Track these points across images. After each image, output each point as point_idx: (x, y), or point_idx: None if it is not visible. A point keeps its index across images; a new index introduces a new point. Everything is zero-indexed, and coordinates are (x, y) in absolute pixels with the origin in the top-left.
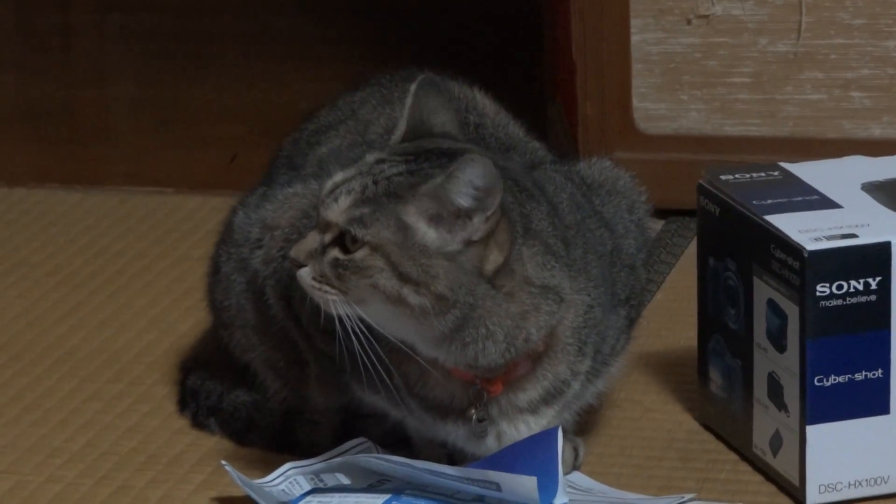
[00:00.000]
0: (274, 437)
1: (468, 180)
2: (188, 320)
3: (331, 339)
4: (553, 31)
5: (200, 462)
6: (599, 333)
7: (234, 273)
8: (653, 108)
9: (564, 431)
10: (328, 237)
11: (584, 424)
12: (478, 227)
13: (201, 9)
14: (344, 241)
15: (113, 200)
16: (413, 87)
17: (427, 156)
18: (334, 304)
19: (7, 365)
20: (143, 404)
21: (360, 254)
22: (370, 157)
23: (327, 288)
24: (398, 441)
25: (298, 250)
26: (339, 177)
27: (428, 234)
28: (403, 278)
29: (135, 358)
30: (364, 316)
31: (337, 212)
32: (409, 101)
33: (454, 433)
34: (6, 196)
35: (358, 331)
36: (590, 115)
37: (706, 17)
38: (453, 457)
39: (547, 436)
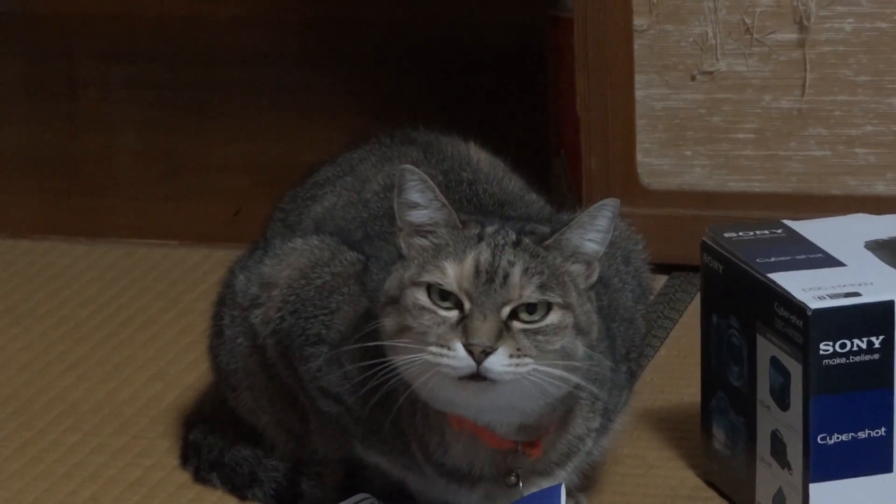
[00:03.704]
0: (277, 492)
1: (601, 225)
2: (192, 373)
3: (334, 403)
4: (558, 86)
5: None
6: (609, 389)
7: (240, 336)
8: (657, 164)
9: (568, 489)
10: (506, 312)
11: (588, 481)
12: (596, 267)
13: (206, 60)
14: (517, 313)
15: (117, 252)
16: (413, 181)
17: (503, 220)
18: (529, 373)
19: (11, 417)
20: (147, 458)
21: (554, 316)
22: (475, 232)
23: (526, 360)
24: (402, 496)
25: (483, 336)
26: (478, 256)
27: (582, 280)
28: (578, 329)
29: (138, 411)
30: (533, 378)
31: (517, 287)
32: (431, 192)
33: (466, 498)
34: (11, 247)
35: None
36: (594, 169)
37: (710, 73)
38: None
39: (550, 492)
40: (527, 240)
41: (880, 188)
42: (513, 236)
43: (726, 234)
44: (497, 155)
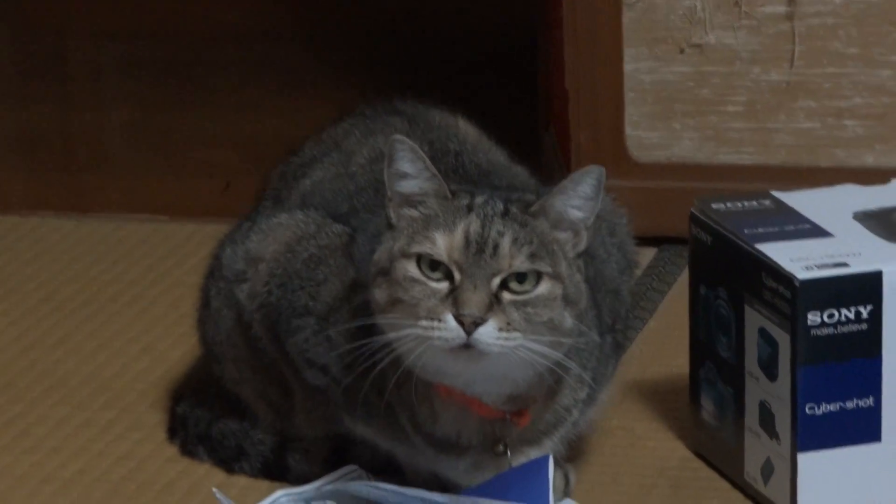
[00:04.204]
0: (264, 465)
1: (583, 192)
2: (181, 347)
3: (322, 374)
4: (547, 60)
5: (192, 489)
6: (597, 359)
7: (224, 308)
8: (646, 137)
9: (555, 459)
10: (496, 284)
11: (576, 452)
12: (584, 236)
13: (197, 37)
14: (507, 283)
15: (107, 227)
16: (398, 150)
17: (492, 190)
18: (517, 348)
19: None
20: (135, 431)
21: (545, 286)
22: (464, 203)
23: (515, 334)
24: (390, 468)
25: (474, 307)
26: (468, 227)
27: (570, 249)
28: (567, 300)
29: (127, 385)
30: (521, 352)
31: (507, 257)
32: (421, 162)
33: (454, 467)
34: (0, 223)
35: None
36: (583, 143)
37: (699, 46)
38: (445, 485)
39: (538, 463)
40: (514, 209)
41: (869, 160)
42: (501, 206)
43: (714, 206)
44: (486, 131)
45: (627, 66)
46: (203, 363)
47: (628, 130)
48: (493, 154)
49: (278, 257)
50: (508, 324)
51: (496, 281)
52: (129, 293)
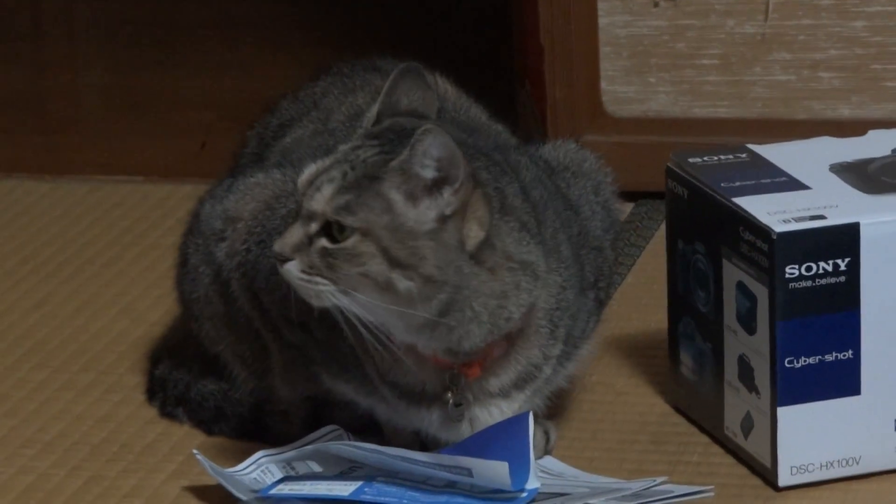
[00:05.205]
0: (243, 427)
1: (427, 152)
2: (159, 309)
3: (300, 331)
4: (521, 15)
5: (172, 451)
6: (572, 316)
7: (202, 265)
8: (621, 91)
9: (535, 416)
10: (313, 227)
11: (556, 408)
12: (448, 200)
13: None
14: (331, 229)
15: (83, 189)
16: (394, 73)
17: (401, 135)
18: (326, 294)
19: None
20: (115, 394)
21: (351, 241)
22: (346, 146)
23: (318, 279)
24: (369, 428)
25: (283, 245)
26: (316, 166)
27: (408, 212)
28: (393, 262)
29: (106, 347)
30: (352, 305)
31: (321, 201)
32: (386, 85)
33: (427, 419)
34: None
35: (341, 320)
36: (558, 98)
37: None
38: (425, 444)
39: (518, 420)
40: (377, 159)
41: (845, 112)
42: (369, 153)
43: (691, 160)
44: (461, 88)
45: (602, 21)
46: (182, 324)
47: (604, 85)
48: (473, 111)
49: (257, 215)
50: (311, 267)
51: (314, 225)
52: (106, 255)
